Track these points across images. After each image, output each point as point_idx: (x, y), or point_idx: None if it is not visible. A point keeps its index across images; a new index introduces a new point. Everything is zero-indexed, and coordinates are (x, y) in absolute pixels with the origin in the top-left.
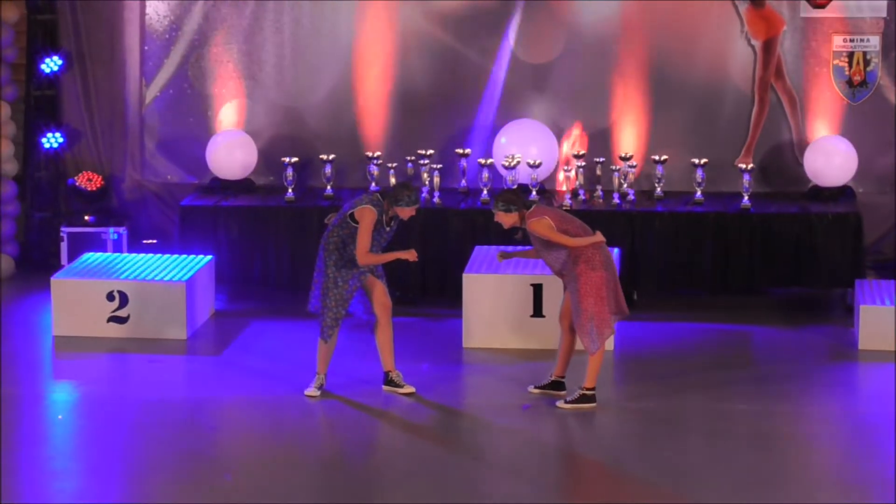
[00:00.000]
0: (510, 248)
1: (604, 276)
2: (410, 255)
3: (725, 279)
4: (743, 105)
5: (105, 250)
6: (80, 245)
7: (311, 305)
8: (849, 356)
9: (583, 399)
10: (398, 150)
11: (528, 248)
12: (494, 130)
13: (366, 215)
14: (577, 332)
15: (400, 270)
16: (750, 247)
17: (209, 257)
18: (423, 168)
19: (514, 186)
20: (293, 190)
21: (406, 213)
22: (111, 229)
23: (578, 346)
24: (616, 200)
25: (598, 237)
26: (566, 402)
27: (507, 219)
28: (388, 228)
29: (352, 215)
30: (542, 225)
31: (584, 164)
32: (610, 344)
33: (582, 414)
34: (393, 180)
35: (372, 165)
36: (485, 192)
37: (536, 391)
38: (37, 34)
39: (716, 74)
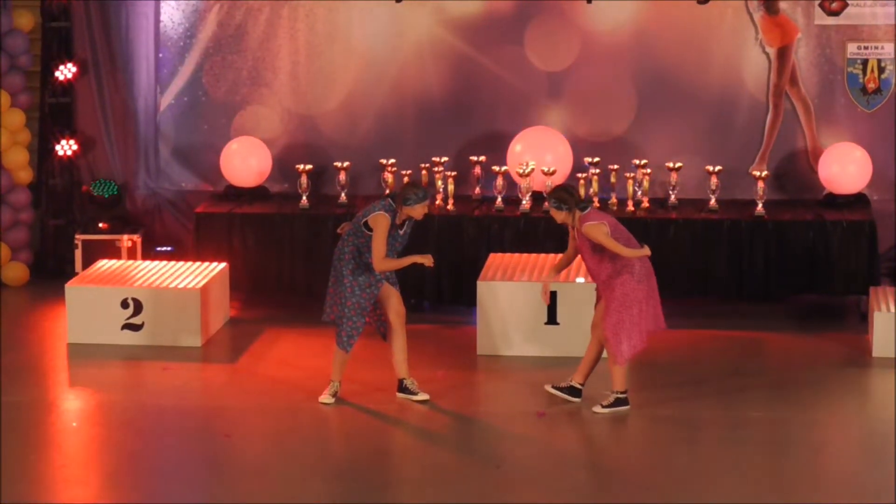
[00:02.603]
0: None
1: (646, 290)
2: (427, 260)
3: (740, 286)
4: (757, 112)
5: (119, 257)
6: (95, 252)
7: (326, 315)
8: (863, 363)
9: (618, 402)
10: (412, 158)
11: (561, 258)
12: (509, 138)
13: (380, 222)
14: (609, 340)
15: (414, 278)
16: (764, 254)
17: (224, 264)
18: (437, 175)
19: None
20: (308, 197)
21: (418, 211)
22: (125, 236)
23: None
24: (630, 208)
25: (646, 251)
26: (602, 406)
27: (558, 216)
28: (401, 231)
29: (366, 223)
30: (599, 231)
31: (599, 171)
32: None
33: (596, 421)
34: None
35: (386, 173)
36: (499, 199)
37: (552, 391)
38: (51, 42)
39: (730, 82)
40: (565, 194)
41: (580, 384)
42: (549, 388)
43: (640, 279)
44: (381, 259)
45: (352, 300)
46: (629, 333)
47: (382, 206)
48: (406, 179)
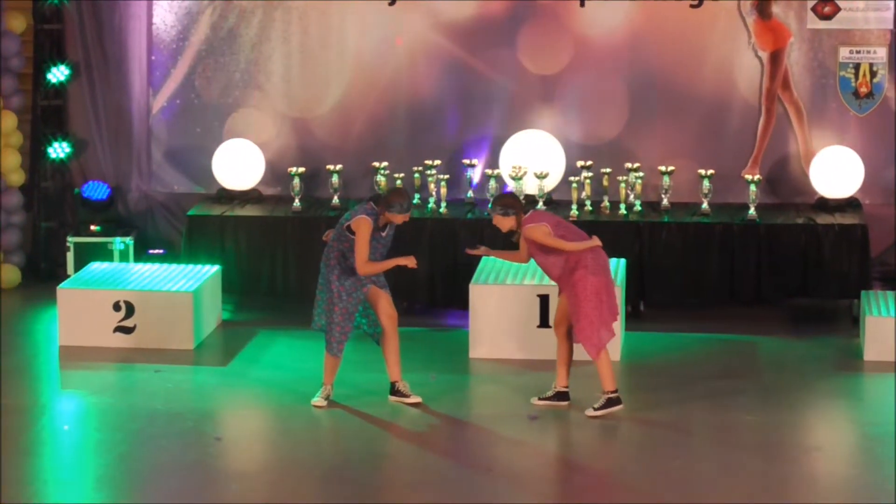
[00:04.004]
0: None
1: (602, 281)
2: (410, 262)
3: (732, 290)
4: (750, 116)
5: (111, 260)
6: (87, 255)
7: (315, 323)
8: (855, 367)
9: (610, 403)
10: (405, 161)
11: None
12: (501, 141)
13: (361, 225)
14: (577, 337)
15: (407, 281)
16: (756, 258)
17: (216, 267)
18: (430, 178)
19: (512, 190)
20: (300, 200)
21: (398, 219)
22: (118, 239)
23: (578, 355)
24: (623, 211)
25: (595, 241)
26: (595, 409)
27: (504, 222)
28: (383, 234)
29: (349, 227)
30: (539, 231)
31: (591, 174)
32: (616, 354)
33: (588, 424)
34: None
35: (379, 176)
36: (491, 203)
37: (540, 403)
38: (44, 44)
39: (723, 86)
40: (511, 200)
41: (564, 387)
42: (535, 401)
43: (595, 271)
44: (363, 262)
45: (339, 305)
46: (598, 326)
47: (364, 210)
48: (399, 183)
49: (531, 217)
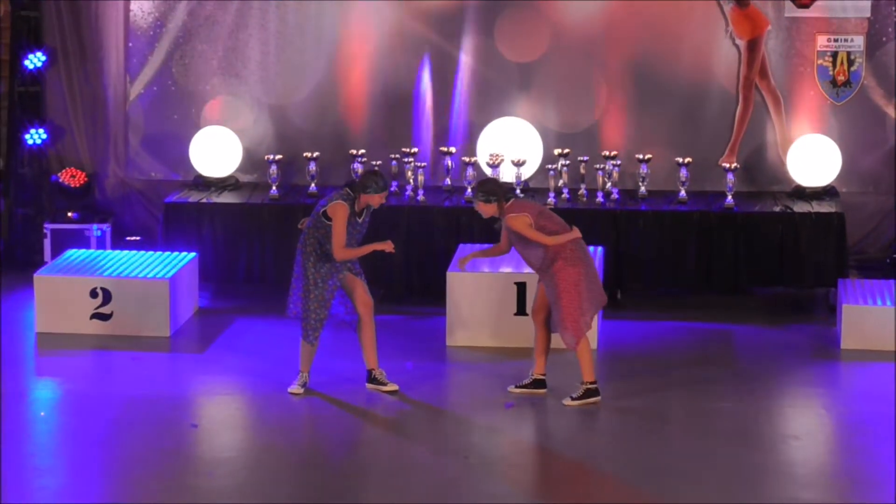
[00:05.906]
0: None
1: (582, 272)
2: (387, 246)
3: (709, 278)
4: (727, 104)
5: (88, 247)
6: (64, 242)
7: (290, 310)
8: (831, 355)
9: (588, 394)
10: (382, 148)
11: (486, 246)
12: (479, 128)
13: (338, 211)
14: (556, 327)
15: (384, 268)
16: (734, 246)
17: (193, 254)
18: (408, 166)
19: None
20: (277, 187)
21: (376, 200)
22: (95, 226)
23: (555, 343)
24: (600, 199)
25: (575, 233)
26: (572, 398)
27: (486, 209)
28: (360, 220)
29: (325, 213)
30: (520, 222)
31: (568, 162)
32: (593, 342)
33: (565, 412)
34: None
35: (356, 163)
36: (469, 190)
37: (517, 391)
38: (21, 30)
39: (700, 74)
40: (493, 186)
41: (542, 375)
42: (513, 389)
43: (575, 262)
44: (341, 247)
45: (315, 292)
46: (575, 316)
47: (340, 196)
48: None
49: (513, 206)
